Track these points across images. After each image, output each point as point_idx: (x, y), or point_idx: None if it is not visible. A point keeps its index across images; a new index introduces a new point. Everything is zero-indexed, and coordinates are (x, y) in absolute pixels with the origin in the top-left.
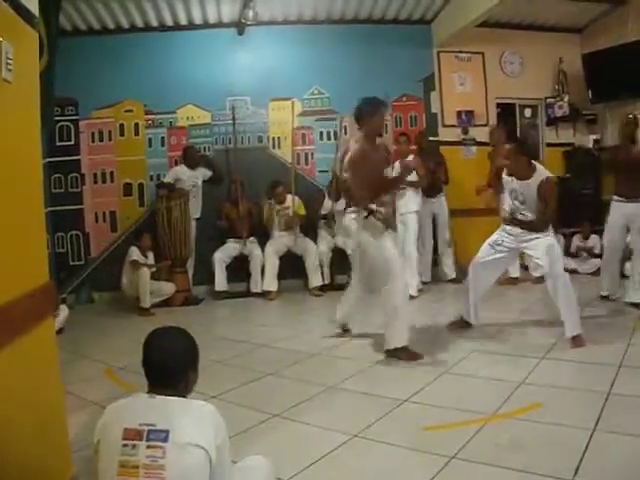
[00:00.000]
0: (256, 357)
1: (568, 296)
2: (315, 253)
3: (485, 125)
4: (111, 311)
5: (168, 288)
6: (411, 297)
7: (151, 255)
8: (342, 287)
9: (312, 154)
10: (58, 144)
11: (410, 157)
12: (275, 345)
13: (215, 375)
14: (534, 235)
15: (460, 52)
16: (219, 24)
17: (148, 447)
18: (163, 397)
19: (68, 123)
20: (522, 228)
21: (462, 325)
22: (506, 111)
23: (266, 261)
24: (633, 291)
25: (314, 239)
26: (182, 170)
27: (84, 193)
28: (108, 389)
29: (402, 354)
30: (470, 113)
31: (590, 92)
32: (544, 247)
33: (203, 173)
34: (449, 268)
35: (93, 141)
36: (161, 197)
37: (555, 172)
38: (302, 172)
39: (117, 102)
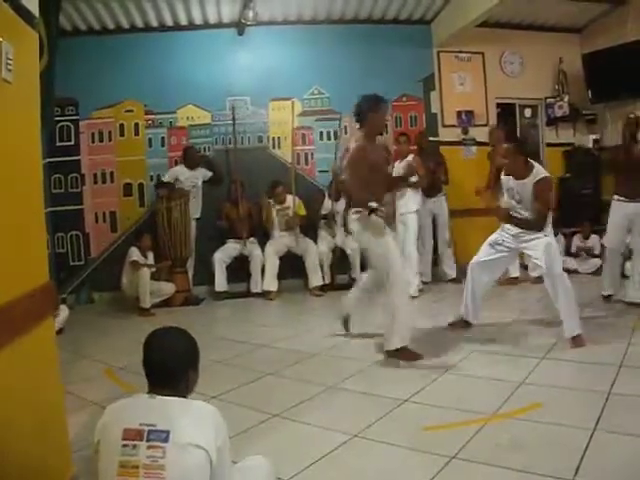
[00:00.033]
0: (256, 357)
1: (567, 296)
2: (315, 253)
3: (485, 125)
4: (111, 311)
5: (168, 288)
6: (411, 297)
7: (151, 255)
8: (342, 287)
9: (312, 154)
10: (58, 144)
11: (410, 157)
12: (275, 345)
13: (215, 375)
14: (533, 235)
15: (460, 52)
16: (219, 24)
17: (148, 447)
18: (163, 397)
19: (68, 123)
20: (519, 226)
21: (462, 325)
22: (506, 111)
23: (266, 261)
24: (633, 291)
25: (314, 239)
26: (181, 170)
27: (84, 193)
28: (108, 389)
29: (402, 354)
30: (470, 113)
31: (590, 92)
32: (542, 247)
33: (203, 174)
34: (449, 268)
35: (93, 141)
36: (161, 197)
37: (555, 172)
38: (302, 172)
39: (117, 102)
